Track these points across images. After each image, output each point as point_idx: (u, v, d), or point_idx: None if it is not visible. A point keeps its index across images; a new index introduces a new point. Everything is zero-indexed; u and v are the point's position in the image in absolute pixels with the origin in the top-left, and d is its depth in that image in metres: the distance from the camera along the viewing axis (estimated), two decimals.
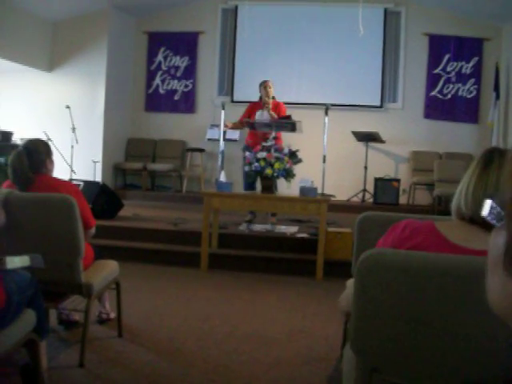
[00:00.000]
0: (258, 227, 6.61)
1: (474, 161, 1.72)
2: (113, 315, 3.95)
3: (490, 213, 0.74)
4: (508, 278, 0.71)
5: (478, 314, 1.54)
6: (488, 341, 1.56)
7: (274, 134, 6.26)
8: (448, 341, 1.58)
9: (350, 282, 3.19)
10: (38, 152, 3.29)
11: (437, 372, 1.62)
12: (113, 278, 3.61)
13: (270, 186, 5.84)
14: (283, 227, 6.64)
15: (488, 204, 0.74)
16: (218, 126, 7.18)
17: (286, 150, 5.80)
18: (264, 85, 7.00)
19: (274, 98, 7.00)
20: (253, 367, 3.25)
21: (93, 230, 3.50)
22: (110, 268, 3.58)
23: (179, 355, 3.41)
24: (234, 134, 9.37)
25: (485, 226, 1.61)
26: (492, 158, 1.65)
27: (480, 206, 1.57)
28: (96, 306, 3.89)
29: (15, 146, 7.45)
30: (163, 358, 3.37)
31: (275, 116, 6.79)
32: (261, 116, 6.89)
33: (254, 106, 7.09)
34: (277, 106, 6.95)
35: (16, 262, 2.57)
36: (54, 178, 3.40)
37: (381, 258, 1.59)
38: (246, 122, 6.72)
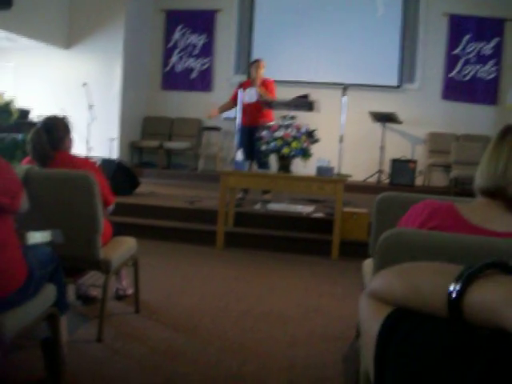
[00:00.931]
0: (274, 206, 6.61)
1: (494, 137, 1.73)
2: (130, 291, 3.99)
3: None
4: None
5: None
6: None
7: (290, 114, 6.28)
8: None
9: (367, 263, 3.20)
10: (57, 129, 3.32)
11: None
12: (131, 254, 3.65)
13: (286, 165, 5.83)
14: (299, 207, 6.64)
15: None
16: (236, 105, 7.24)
17: (303, 130, 5.79)
18: (256, 64, 7.17)
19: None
20: (269, 345, 3.27)
21: (112, 207, 3.53)
22: (127, 245, 3.61)
23: (196, 332, 3.44)
24: None
25: (503, 199, 1.61)
26: (508, 131, 1.66)
27: (494, 175, 1.58)
28: (113, 282, 3.93)
29: (33, 124, 7.48)
30: (180, 334, 3.41)
31: (264, 93, 6.92)
32: (249, 92, 7.02)
33: (242, 85, 7.21)
34: (264, 82, 7.08)
35: (37, 237, 2.60)
36: (74, 156, 3.43)
37: (401, 238, 1.59)
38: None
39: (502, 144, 1.64)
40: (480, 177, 1.67)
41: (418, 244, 1.57)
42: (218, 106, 7.53)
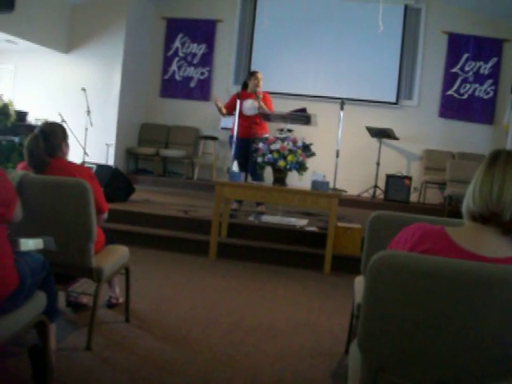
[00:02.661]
0: (267, 218, 6.62)
1: (483, 161, 1.74)
2: (121, 300, 3.98)
3: None
4: None
5: (485, 319, 1.55)
6: (495, 346, 1.57)
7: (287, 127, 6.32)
8: (455, 345, 1.59)
9: (359, 280, 3.21)
10: (54, 136, 3.31)
11: (442, 375, 1.64)
12: (123, 263, 3.64)
13: (282, 178, 5.84)
14: (293, 219, 6.65)
15: None
16: (232, 114, 7.20)
17: (299, 143, 5.80)
18: (255, 75, 7.16)
19: None
20: (258, 359, 3.27)
21: (105, 215, 3.53)
22: (120, 253, 3.61)
23: (185, 343, 3.44)
24: None
25: (496, 224, 1.62)
26: (498, 155, 1.68)
27: (487, 201, 1.60)
28: (105, 291, 3.92)
29: (30, 126, 7.49)
30: (169, 344, 3.40)
31: (264, 106, 6.92)
32: (249, 104, 7.02)
33: (238, 96, 7.15)
34: (263, 97, 7.08)
35: (30, 244, 2.59)
36: (69, 162, 3.42)
37: (392, 260, 1.60)
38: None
39: (494, 169, 1.65)
40: (471, 202, 1.67)
41: (408, 267, 1.58)
42: (219, 116, 7.53)
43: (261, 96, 6.92)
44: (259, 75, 7.08)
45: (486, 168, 1.68)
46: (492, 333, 1.55)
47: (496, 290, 1.51)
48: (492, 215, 1.62)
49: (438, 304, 1.57)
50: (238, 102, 6.92)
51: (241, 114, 6.94)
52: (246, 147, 6.81)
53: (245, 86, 7.27)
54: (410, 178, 9.06)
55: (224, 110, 7.20)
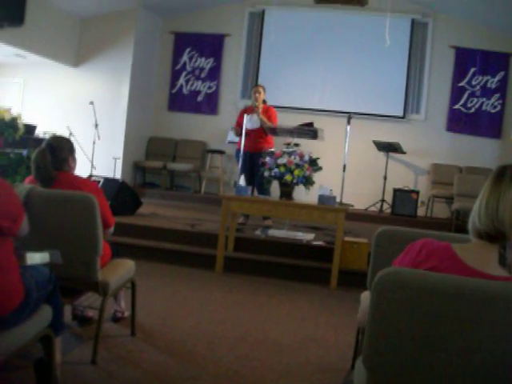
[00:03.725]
0: (274, 232, 6.61)
1: (488, 177, 1.73)
2: (127, 314, 3.98)
3: None
4: None
5: (491, 337, 1.54)
6: (500, 364, 1.56)
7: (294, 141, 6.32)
8: (460, 362, 1.58)
9: (365, 295, 3.19)
10: (61, 149, 3.32)
11: None
12: (129, 277, 3.64)
13: (288, 192, 5.84)
14: (300, 234, 6.63)
15: None
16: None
17: (306, 157, 5.80)
18: (254, 89, 7.18)
19: (265, 102, 7.13)
20: (263, 374, 3.25)
21: (111, 229, 3.53)
22: (126, 267, 3.61)
23: (190, 357, 3.43)
24: None
25: (502, 242, 1.61)
26: (504, 172, 1.67)
27: (493, 219, 1.58)
28: (111, 304, 3.92)
29: (38, 140, 7.52)
30: (175, 359, 3.39)
31: (265, 120, 6.90)
32: (251, 119, 6.97)
33: (245, 111, 7.17)
34: (267, 110, 7.07)
35: (36, 258, 2.60)
36: (76, 176, 3.43)
37: (398, 277, 1.60)
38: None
39: (499, 186, 1.64)
40: (477, 219, 1.66)
41: (414, 284, 1.57)
42: (226, 130, 7.50)
43: (259, 110, 6.90)
44: (258, 88, 7.08)
45: (492, 185, 1.67)
46: (497, 350, 1.54)
47: (501, 308, 1.51)
48: (498, 233, 1.61)
49: (444, 321, 1.56)
50: (244, 116, 6.92)
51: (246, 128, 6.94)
52: (252, 161, 6.82)
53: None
54: (417, 192, 9.04)
55: (238, 130, 7.17)
